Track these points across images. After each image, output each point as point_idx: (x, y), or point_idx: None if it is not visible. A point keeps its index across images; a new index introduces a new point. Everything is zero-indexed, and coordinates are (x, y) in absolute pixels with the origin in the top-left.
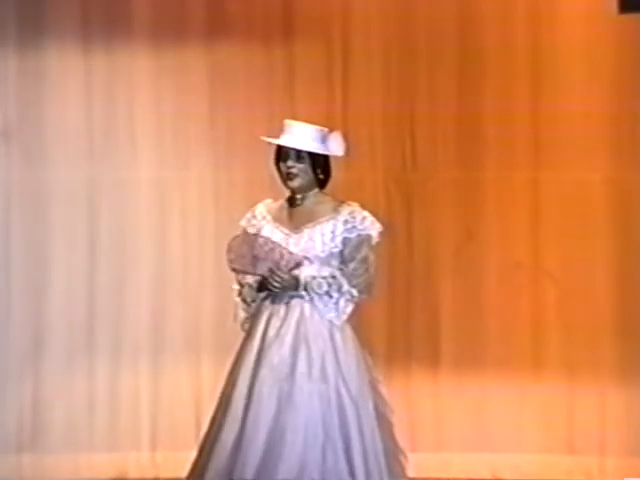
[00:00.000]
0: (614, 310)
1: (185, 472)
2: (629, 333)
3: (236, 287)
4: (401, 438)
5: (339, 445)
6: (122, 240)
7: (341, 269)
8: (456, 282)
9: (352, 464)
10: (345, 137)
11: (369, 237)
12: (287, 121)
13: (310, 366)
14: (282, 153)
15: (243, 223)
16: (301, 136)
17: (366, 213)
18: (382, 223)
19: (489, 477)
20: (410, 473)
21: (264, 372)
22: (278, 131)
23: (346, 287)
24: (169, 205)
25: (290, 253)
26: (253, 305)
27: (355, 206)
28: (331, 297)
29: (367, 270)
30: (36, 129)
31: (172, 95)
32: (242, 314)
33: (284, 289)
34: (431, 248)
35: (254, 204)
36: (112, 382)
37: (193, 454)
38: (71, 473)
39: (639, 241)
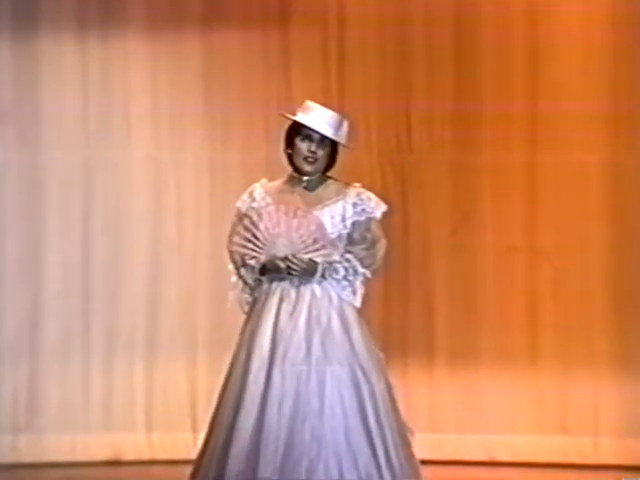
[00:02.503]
0: (609, 295)
1: (180, 453)
2: (624, 318)
3: (231, 267)
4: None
5: (358, 425)
6: (117, 221)
7: (349, 251)
8: (451, 264)
9: (372, 443)
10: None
11: (376, 218)
12: (311, 103)
13: (325, 348)
14: (305, 134)
15: (239, 204)
16: (329, 123)
17: (371, 194)
18: (385, 203)
19: (484, 458)
20: None
21: (280, 357)
22: (284, 111)
23: (360, 269)
24: (164, 186)
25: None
26: (253, 286)
27: (360, 187)
28: (348, 281)
29: (378, 251)
30: (31, 111)
31: (168, 77)
32: (245, 296)
33: (303, 272)
34: (427, 230)
35: (249, 185)
36: (107, 364)
37: (188, 436)
38: (67, 454)
39: (635, 224)
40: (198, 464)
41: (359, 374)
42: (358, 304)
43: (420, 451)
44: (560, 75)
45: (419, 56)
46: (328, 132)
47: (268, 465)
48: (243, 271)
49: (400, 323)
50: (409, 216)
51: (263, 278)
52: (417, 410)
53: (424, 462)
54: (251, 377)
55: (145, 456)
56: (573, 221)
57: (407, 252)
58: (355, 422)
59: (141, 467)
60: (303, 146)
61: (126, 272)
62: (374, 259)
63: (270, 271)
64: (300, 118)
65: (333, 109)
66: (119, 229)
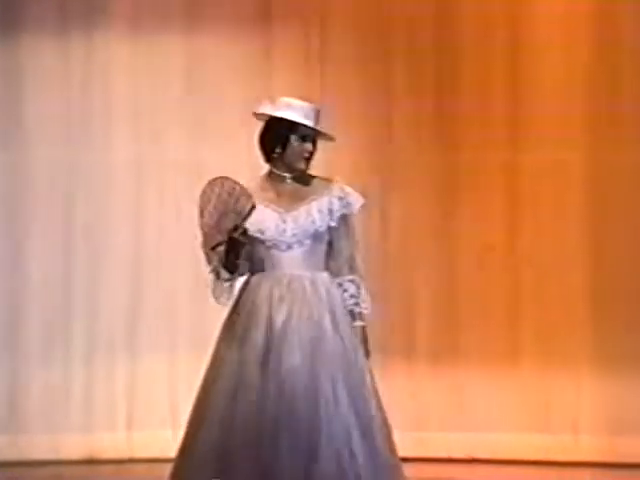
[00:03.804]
0: (589, 293)
1: (159, 452)
2: (604, 315)
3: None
4: None
5: (353, 421)
6: (99, 221)
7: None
8: (432, 263)
9: (367, 439)
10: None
11: (354, 212)
12: (292, 100)
13: (318, 347)
14: (302, 133)
15: None
16: (315, 117)
17: (350, 188)
18: (365, 201)
19: (466, 456)
20: None
21: (275, 356)
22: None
23: (360, 278)
24: (145, 187)
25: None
26: (233, 277)
27: (341, 182)
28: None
29: (357, 243)
30: (14, 112)
31: (149, 78)
32: (224, 286)
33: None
34: (407, 230)
35: None
36: (88, 364)
37: (168, 434)
38: (47, 452)
39: (614, 223)
40: (184, 461)
41: (352, 373)
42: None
43: (402, 449)
44: (541, 74)
45: (400, 56)
46: (328, 131)
47: (270, 455)
48: (215, 259)
49: (381, 320)
50: (389, 215)
51: (240, 262)
52: (399, 408)
53: (406, 460)
54: (247, 375)
55: (124, 455)
56: (553, 220)
57: (387, 251)
58: (350, 418)
59: (121, 465)
60: (302, 145)
61: (107, 271)
62: (359, 254)
63: (235, 249)
64: (295, 118)
65: (309, 101)
66: (100, 229)
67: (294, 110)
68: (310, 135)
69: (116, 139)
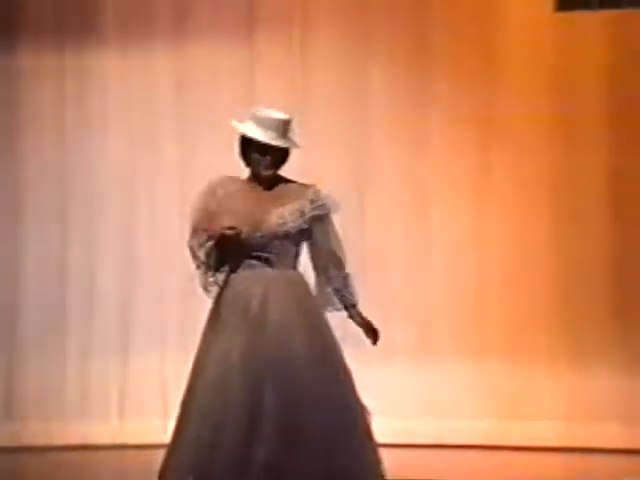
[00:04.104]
0: (553, 289)
1: (151, 439)
2: (569, 306)
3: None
4: None
5: (338, 411)
6: (93, 224)
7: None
8: (406, 262)
9: (352, 429)
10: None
11: (331, 215)
12: (259, 112)
13: (299, 340)
14: (257, 145)
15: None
16: (278, 128)
17: (325, 192)
18: (343, 202)
19: (433, 442)
20: None
21: (260, 351)
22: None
23: (345, 272)
24: (138, 189)
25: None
26: (218, 271)
27: (316, 187)
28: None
29: (342, 244)
30: (9, 117)
31: (140, 83)
32: (209, 279)
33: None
34: (382, 230)
35: None
36: (83, 355)
37: (158, 422)
38: (42, 439)
39: (578, 221)
40: (177, 450)
41: (333, 364)
42: (356, 301)
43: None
44: (509, 80)
45: (378, 61)
46: (277, 140)
47: (264, 448)
48: (201, 252)
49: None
50: (365, 216)
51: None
52: (367, 394)
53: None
54: (235, 368)
55: (117, 441)
56: (520, 220)
57: (364, 249)
58: (335, 409)
59: (114, 451)
60: (257, 156)
61: (101, 270)
62: (342, 252)
63: (223, 248)
64: (250, 131)
65: (281, 111)
66: (94, 232)
67: (257, 122)
68: (267, 148)
69: (110, 143)
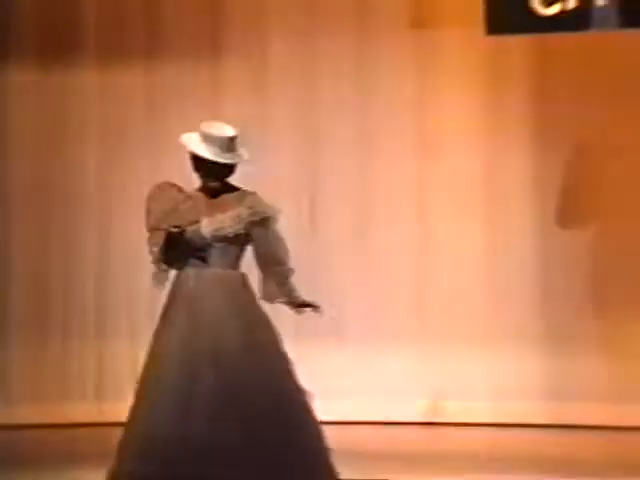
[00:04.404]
0: (484, 283)
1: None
2: (499, 296)
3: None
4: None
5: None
6: (73, 218)
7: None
8: (355, 262)
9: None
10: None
11: (272, 219)
12: (207, 129)
13: (238, 331)
14: (205, 161)
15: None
16: (223, 145)
17: (263, 200)
18: (278, 208)
19: (383, 420)
20: None
21: (202, 345)
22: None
23: (288, 268)
24: (114, 199)
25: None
26: (170, 268)
27: (255, 194)
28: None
29: (284, 245)
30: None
31: (115, 104)
32: (162, 274)
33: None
34: (333, 230)
35: None
36: (64, 340)
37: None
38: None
39: (509, 222)
40: (129, 429)
41: (267, 353)
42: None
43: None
44: (444, 92)
45: (327, 82)
46: (220, 157)
47: (199, 426)
48: (155, 250)
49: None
50: (318, 220)
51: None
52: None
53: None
54: (175, 357)
55: (94, 420)
56: (457, 223)
57: (315, 251)
58: (268, 393)
59: (92, 429)
60: (204, 169)
61: (79, 262)
62: (286, 253)
63: (172, 247)
64: (197, 148)
65: (229, 126)
66: (74, 224)
67: (204, 139)
68: (212, 161)
69: (87, 158)
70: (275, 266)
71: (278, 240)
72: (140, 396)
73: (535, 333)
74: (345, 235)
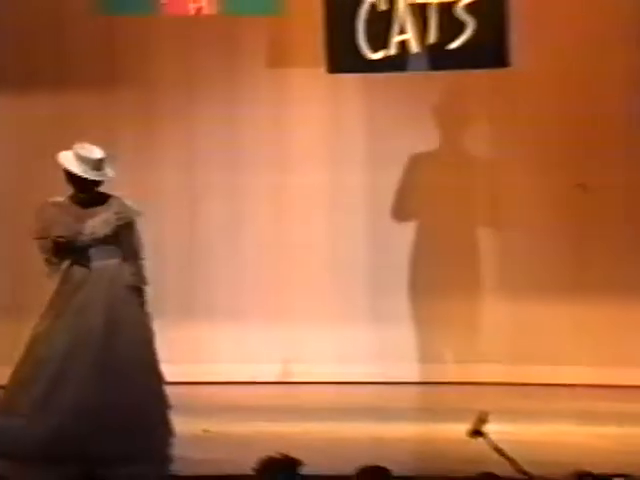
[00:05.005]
0: (330, 269)
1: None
2: (339, 281)
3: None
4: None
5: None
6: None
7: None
8: (227, 255)
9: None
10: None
11: (134, 221)
12: (80, 150)
13: (109, 318)
14: (78, 176)
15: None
16: (91, 163)
17: (130, 202)
18: (139, 210)
19: (248, 380)
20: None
21: (80, 330)
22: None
23: (139, 262)
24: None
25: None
26: (58, 266)
27: (120, 198)
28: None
29: (141, 242)
30: None
31: (23, 129)
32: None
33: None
34: (208, 232)
35: None
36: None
37: None
38: None
39: (348, 219)
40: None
41: (129, 334)
42: (144, 284)
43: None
44: (295, 118)
45: (204, 110)
46: (89, 173)
47: (69, 394)
48: (46, 253)
49: (205, 287)
50: (196, 216)
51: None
52: (198, 346)
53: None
54: (53, 338)
55: None
56: (307, 222)
57: (193, 240)
58: (127, 371)
59: None
60: (77, 183)
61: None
62: (142, 250)
63: (58, 251)
64: (70, 165)
65: (99, 148)
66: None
67: (77, 157)
68: (81, 175)
69: (4, 177)
70: (135, 259)
71: (138, 238)
72: (18, 366)
73: (365, 310)
74: (219, 231)
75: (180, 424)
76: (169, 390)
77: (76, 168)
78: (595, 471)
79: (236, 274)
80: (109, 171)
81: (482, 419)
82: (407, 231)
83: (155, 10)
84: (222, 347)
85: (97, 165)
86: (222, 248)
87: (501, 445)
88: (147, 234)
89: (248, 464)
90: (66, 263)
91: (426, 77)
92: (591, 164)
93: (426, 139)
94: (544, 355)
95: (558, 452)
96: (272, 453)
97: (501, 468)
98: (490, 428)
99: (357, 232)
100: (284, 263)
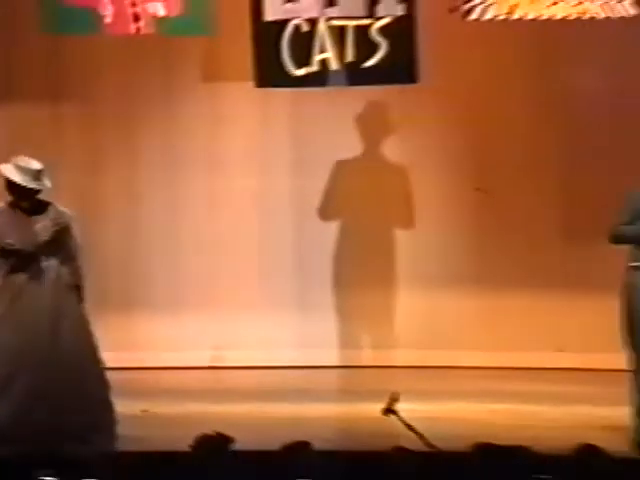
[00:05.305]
0: (259, 263)
1: None
2: (268, 274)
3: None
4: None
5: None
6: None
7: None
8: (167, 253)
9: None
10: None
11: (69, 226)
12: (21, 161)
13: (55, 312)
14: (18, 185)
15: None
16: (31, 173)
17: (64, 209)
18: (71, 214)
19: (183, 365)
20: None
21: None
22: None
23: (76, 262)
24: None
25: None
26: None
27: (57, 205)
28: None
29: (77, 243)
30: None
31: None
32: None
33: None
34: (136, 235)
35: None
36: None
37: None
38: None
39: (275, 218)
40: None
41: (69, 327)
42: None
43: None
44: (228, 128)
45: (143, 122)
46: (29, 183)
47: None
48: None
49: (144, 280)
50: (136, 216)
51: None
52: (140, 335)
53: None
54: (6, 335)
55: None
56: (239, 220)
57: (134, 237)
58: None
59: None
60: (18, 192)
61: None
62: (78, 251)
63: (7, 256)
64: (11, 175)
65: (37, 161)
66: None
67: (17, 168)
68: (21, 185)
69: None
70: (73, 260)
71: (75, 240)
72: None
73: (290, 301)
74: (158, 230)
75: (121, 406)
76: (110, 375)
77: (18, 178)
78: (494, 442)
79: (172, 268)
80: (47, 182)
81: (394, 399)
82: (330, 229)
83: (99, 29)
84: (158, 335)
85: (36, 175)
86: (160, 245)
87: (411, 422)
88: (92, 232)
89: (184, 441)
90: (5, 268)
91: (346, 92)
92: (491, 170)
93: (347, 147)
94: (450, 341)
95: (461, 427)
96: (206, 431)
97: (412, 442)
98: (401, 407)
99: (284, 230)
100: (217, 259)
